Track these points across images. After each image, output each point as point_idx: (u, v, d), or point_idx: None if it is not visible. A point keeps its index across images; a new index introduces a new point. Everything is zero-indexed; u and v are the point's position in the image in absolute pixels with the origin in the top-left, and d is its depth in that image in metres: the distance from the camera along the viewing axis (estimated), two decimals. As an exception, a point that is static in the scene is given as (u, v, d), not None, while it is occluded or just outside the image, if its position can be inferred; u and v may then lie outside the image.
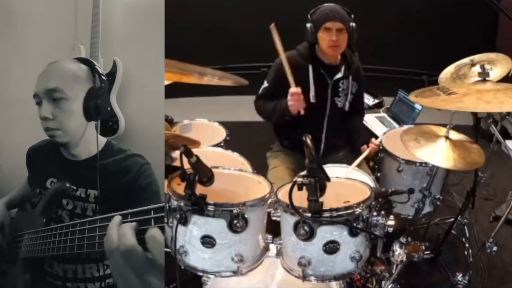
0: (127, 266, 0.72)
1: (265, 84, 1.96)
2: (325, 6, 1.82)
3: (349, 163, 1.85)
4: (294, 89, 1.73)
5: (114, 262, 0.74)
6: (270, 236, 1.32)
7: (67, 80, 1.28)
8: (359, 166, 1.83)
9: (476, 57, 1.93)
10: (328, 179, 1.12)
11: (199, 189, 1.17)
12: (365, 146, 1.94)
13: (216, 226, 1.20)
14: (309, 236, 1.17)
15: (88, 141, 1.36)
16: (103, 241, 0.79)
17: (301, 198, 1.13)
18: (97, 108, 1.30)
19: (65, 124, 1.28)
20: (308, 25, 1.83)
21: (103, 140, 1.42)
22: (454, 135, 1.66)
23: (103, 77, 1.35)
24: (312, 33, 1.82)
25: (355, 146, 2.01)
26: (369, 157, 1.97)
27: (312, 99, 1.87)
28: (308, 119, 1.83)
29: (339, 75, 1.90)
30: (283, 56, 1.67)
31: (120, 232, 0.76)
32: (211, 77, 1.30)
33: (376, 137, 2.07)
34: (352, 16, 1.82)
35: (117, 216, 0.81)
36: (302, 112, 1.76)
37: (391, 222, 1.24)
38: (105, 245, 0.76)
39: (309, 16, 1.84)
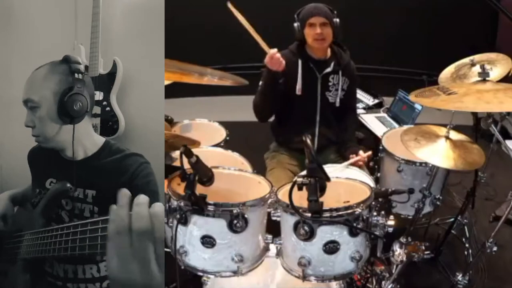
0: (131, 251, 0.69)
1: (261, 83, 1.99)
2: (308, 5, 1.93)
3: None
4: (270, 52, 1.74)
5: (119, 245, 0.69)
6: (270, 236, 1.32)
7: (37, 89, 1.28)
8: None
9: (476, 57, 1.93)
10: (328, 179, 1.12)
11: (199, 189, 1.17)
12: (353, 155, 1.88)
13: (216, 226, 1.20)
14: (309, 236, 1.17)
15: (84, 142, 1.35)
16: (110, 223, 0.74)
17: (301, 198, 1.13)
18: (66, 111, 1.27)
19: (43, 130, 1.30)
20: (295, 24, 1.93)
21: (101, 140, 1.41)
22: (454, 135, 1.66)
23: (79, 76, 1.30)
24: (299, 30, 1.93)
25: (344, 154, 1.97)
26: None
27: (298, 91, 1.94)
28: (300, 113, 1.97)
29: (329, 69, 1.95)
30: (247, 25, 1.72)
31: (135, 210, 0.71)
32: (211, 77, 1.30)
33: (378, 139, 2.06)
34: (335, 12, 1.91)
35: (126, 194, 0.76)
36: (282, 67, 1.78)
37: (391, 222, 1.24)
38: (114, 225, 0.72)
39: (295, 16, 1.94)
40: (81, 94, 1.29)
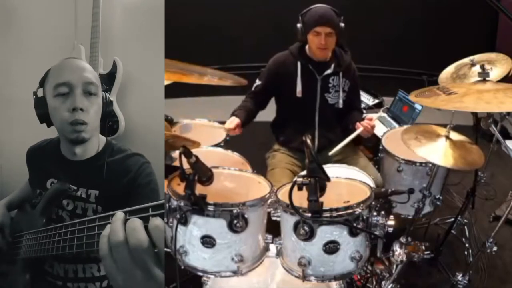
0: (133, 261, 0.70)
1: (257, 82, 2.02)
2: (316, 9, 1.86)
3: (346, 161, 1.87)
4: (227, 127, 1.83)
5: (119, 258, 0.71)
6: (270, 236, 1.31)
7: (96, 77, 1.32)
8: (362, 166, 1.83)
9: (476, 57, 1.93)
10: (328, 179, 1.12)
11: (199, 189, 1.17)
12: (358, 123, 1.87)
13: (216, 226, 1.20)
14: (309, 236, 1.17)
15: (91, 141, 1.36)
16: (106, 237, 0.75)
17: (301, 198, 1.13)
18: (110, 109, 1.38)
19: (93, 119, 1.29)
20: (299, 25, 1.89)
21: (103, 140, 1.42)
22: (454, 136, 1.66)
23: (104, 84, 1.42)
24: (302, 34, 1.89)
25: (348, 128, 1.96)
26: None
27: (298, 93, 1.94)
28: (299, 114, 1.98)
29: (329, 71, 1.94)
30: None
31: (129, 226, 0.73)
32: (211, 77, 1.30)
33: (378, 138, 2.05)
34: (342, 17, 1.86)
35: (120, 212, 0.78)
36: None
37: (391, 222, 1.24)
38: (110, 240, 0.73)
39: (300, 17, 1.89)
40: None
